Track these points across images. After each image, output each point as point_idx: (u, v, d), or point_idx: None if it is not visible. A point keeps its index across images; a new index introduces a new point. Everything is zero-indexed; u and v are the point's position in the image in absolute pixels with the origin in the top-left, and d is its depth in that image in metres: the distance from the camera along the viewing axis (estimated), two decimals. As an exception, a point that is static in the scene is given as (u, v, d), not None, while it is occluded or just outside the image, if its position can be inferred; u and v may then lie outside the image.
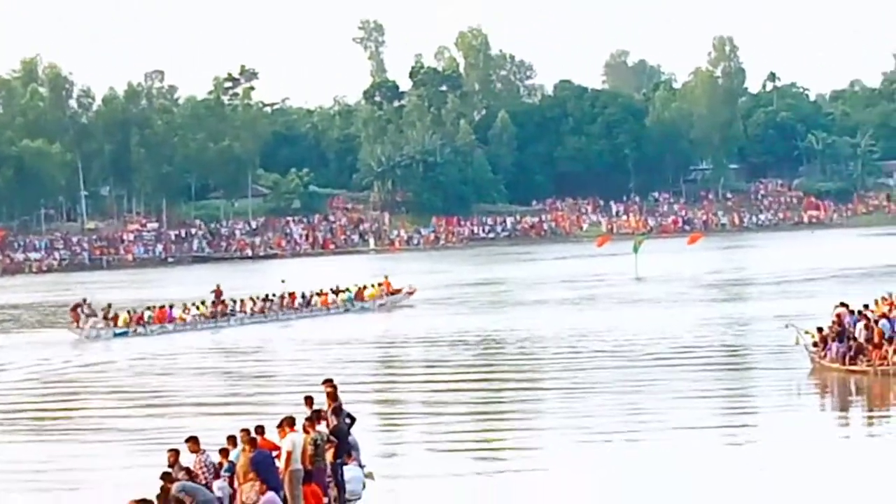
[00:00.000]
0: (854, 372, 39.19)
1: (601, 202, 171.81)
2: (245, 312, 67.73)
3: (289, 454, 22.38)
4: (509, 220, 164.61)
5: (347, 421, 25.06)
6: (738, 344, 49.68)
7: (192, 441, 22.91)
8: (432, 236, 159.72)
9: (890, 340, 38.97)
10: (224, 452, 23.12)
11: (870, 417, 35.37)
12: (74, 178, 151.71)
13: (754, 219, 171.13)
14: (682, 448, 30.22)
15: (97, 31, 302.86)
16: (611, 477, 28.10)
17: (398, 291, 74.43)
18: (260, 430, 23.32)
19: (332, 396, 25.09)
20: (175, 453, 22.53)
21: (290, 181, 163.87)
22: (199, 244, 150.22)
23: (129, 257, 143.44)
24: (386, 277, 76.14)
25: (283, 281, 75.49)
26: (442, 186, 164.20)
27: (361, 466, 25.09)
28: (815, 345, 41.31)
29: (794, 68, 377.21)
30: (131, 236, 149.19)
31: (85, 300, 65.92)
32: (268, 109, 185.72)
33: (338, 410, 24.81)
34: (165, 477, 21.39)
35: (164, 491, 20.98)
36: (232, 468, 22.59)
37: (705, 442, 31.05)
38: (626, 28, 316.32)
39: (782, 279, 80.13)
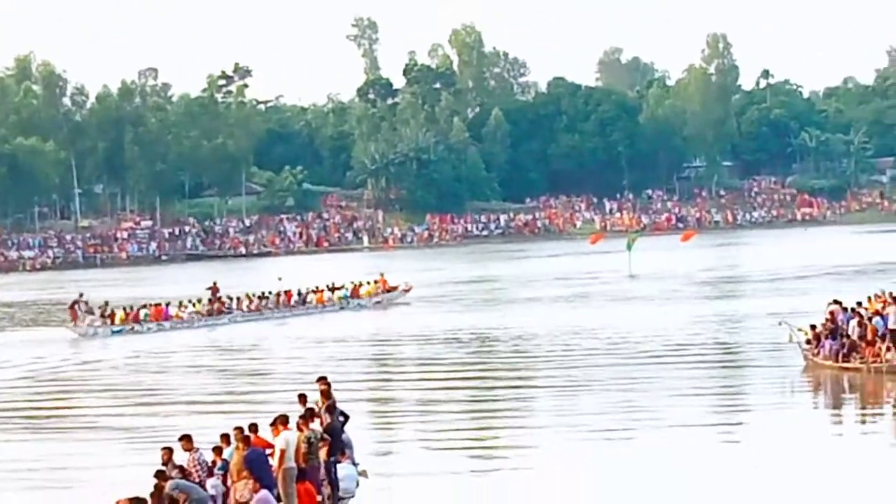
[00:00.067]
0: (847, 369, 39.22)
1: (595, 199, 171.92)
2: (241, 310, 67.76)
3: (282, 452, 22.39)
4: (503, 217, 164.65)
5: (341, 419, 25.06)
6: (732, 341, 49.71)
7: (186, 439, 22.90)
8: (426, 234, 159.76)
9: (883, 338, 39.02)
10: (218, 450, 23.14)
11: (863, 415, 35.43)
12: (68, 175, 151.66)
13: (748, 216, 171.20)
14: (675, 445, 30.26)
15: (91, 28, 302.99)
16: (605, 474, 28.14)
17: (394, 289, 74.44)
18: (253, 428, 23.35)
19: (326, 394, 25.09)
20: (169, 451, 22.53)
21: (283, 179, 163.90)
22: (192, 242, 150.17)
23: (123, 255, 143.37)
24: (382, 275, 76.13)
25: (279, 278, 75.52)
26: (436, 184, 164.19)
27: (355, 464, 25.09)
28: (808, 342, 41.35)
29: (788, 65, 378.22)
30: (125, 234, 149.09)
31: (81, 295, 65.80)
32: (262, 107, 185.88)
33: (331, 408, 24.81)
34: (159, 475, 21.40)
35: (158, 489, 20.99)
36: (225, 466, 22.61)
37: (699, 439, 31.09)
38: (619, 25, 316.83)
39: (776, 276, 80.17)
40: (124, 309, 64.88)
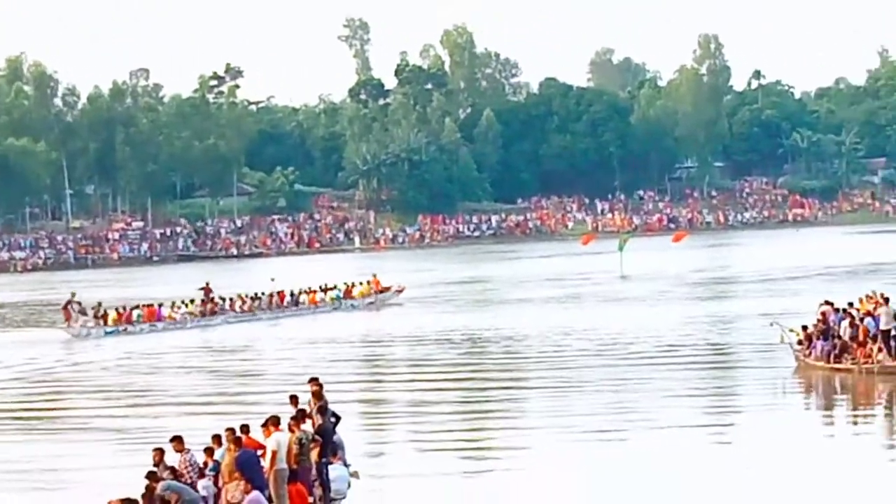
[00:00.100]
0: (839, 370, 39.23)
1: (586, 200, 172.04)
2: (234, 311, 67.72)
3: (274, 453, 22.37)
4: (494, 218, 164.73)
5: (332, 420, 25.04)
6: (723, 342, 49.71)
7: (177, 440, 22.89)
8: (417, 235, 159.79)
9: (874, 339, 39.04)
10: (209, 451, 23.14)
11: (854, 416, 35.43)
12: (59, 176, 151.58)
13: (739, 217, 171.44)
14: (667, 446, 30.24)
15: (82, 29, 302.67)
16: (596, 475, 28.12)
17: (387, 289, 74.41)
18: (245, 429, 23.34)
19: (318, 395, 25.08)
20: (160, 452, 22.52)
21: (275, 180, 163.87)
22: (184, 243, 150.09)
23: (115, 256, 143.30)
24: (374, 275, 76.15)
25: (272, 279, 75.48)
26: (427, 185, 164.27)
27: (346, 465, 25.09)
28: (799, 343, 41.37)
29: (779, 66, 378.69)
30: (116, 235, 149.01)
31: (74, 295, 65.68)
32: (253, 108, 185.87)
33: (323, 409, 24.79)
34: (150, 476, 21.39)
35: (149, 490, 20.98)
36: (217, 467, 22.59)
37: (690, 440, 31.08)
38: (611, 26, 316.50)
39: (767, 277, 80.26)
40: (117, 310, 64.81)
